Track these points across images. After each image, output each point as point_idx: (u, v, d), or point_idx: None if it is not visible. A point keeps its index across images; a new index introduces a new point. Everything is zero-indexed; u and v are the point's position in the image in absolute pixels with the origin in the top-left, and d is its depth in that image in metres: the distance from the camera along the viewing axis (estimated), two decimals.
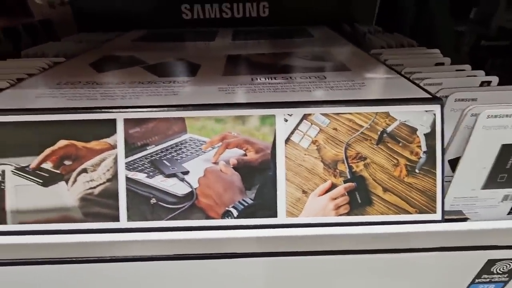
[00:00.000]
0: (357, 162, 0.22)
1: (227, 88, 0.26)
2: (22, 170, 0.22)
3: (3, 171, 0.23)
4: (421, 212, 0.22)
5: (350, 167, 0.22)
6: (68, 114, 0.22)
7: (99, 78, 0.30)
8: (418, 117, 0.22)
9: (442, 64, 0.31)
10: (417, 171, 0.22)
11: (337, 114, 0.22)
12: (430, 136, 0.22)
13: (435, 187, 0.22)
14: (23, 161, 0.22)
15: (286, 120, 0.22)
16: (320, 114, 0.22)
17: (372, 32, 0.49)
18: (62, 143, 0.22)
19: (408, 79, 0.26)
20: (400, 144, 0.22)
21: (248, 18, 0.57)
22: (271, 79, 0.28)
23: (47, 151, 0.22)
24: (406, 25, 0.57)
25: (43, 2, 0.67)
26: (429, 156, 0.22)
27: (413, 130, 0.22)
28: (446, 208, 0.23)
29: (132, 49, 0.42)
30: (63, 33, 0.59)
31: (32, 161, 0.22)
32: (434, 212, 0.22)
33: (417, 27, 0.57)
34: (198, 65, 0.34)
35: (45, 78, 0.30)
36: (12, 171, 0.22)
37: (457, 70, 0.28)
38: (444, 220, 0.22)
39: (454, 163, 0.23)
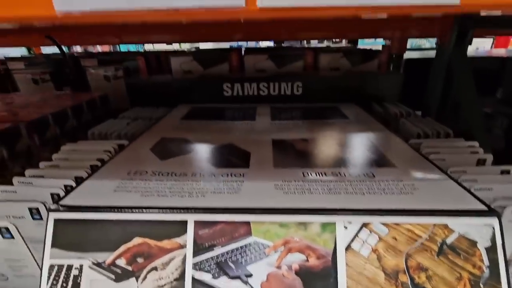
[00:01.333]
0: (419, 273, 0.23)
1: (282, 185, 0.28)
2: (98, 265, 0.24)
3: (81, 266, 0.24)
4: None
5: (412, 279, 0.22)
6: (144, 214, 0.25)
7: (164, 167, 0.33)
8: (477, 229, 0.23)
9: (484, 161, 0.33)
10: (481, 286, 0.22)
11: (396, 223, 0.23)
12: (491, 250, 0.22)
13: None
14: (100, 257, 0.24)
15: (346, 228, 0.24)
16: (379, 223, 0.23)
17: (404, 114, 0.51)
18: (137, 240, 0.24)
19: (458, 182, 0.28)
20: (462, 257, 0.23)
21: (283, 95, 0.63)
22: (322, 175, 0.30)
23: (123, 247, 0.24)
24: (432, 104, 0.60)
25: (100, 77, 0.77)
26: (493, 271, 0.22)
27: (473, 243, 0.23)
28: None
29: (183, 130, 0.47)
30: (117, 105, 0.66)
31: (108, 257, 0.24)
32: None
33: (444, 106, 0.60)
34: (248, 153, 0.37)
35: (116, 167, 0.33)
36: (90, 266, 0.24)
37: (502, 172, 0.29)
38: None
39: None
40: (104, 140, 0.44)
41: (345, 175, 0.30)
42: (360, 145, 0.39)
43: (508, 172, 0.30)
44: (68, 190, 0.29)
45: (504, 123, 0.50)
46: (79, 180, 0.30)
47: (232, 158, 0.36)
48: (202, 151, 0.38)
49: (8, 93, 0.73)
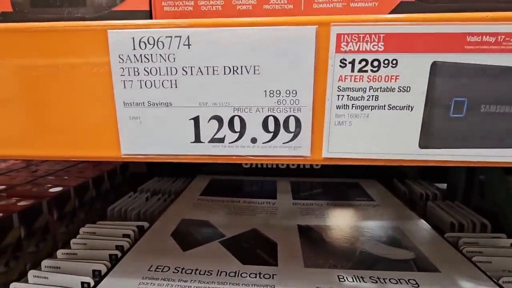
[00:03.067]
0: None
1: None
2: None
3: None
4: None
5: None
6: None
7: (187, 261, 0.31)
8: None
9: None
10: None
11: None
12: None
13: None
14: None
15: None
16: None
17: (430, 196, 0.50)
18: None
19: None
20: None
21: (302, 169, 0.62)
22: (360, 280, 0.28)
23: None
24: (457, 181, 0.59)
25: None
26: None
27: None
28: None
29: (203, 209, 0.46)
30: (135, 170, 0.66)
31: None
32: None
33: (470, 183, 0.58)
34: (274, 244, 0.35)
35: (136, 259, 0.31)
36: None
37: None
38: None
39: None
40: (123, 220, 0.43)
41: (385, 282, 0.28)
42: (394, 239, 0.37)
43: None
44: None
45: None
46: (97, 277, 0.28)
47: (258, 251, 0.34)
48: (226, 239, 0.37)
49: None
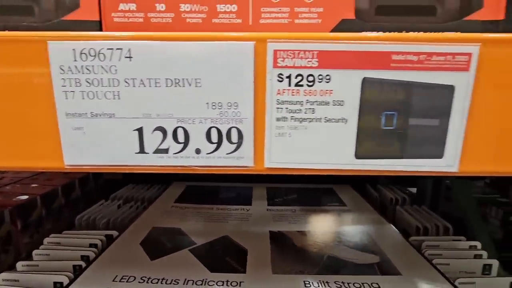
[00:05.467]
0: None
1: None
2: None
3: None
4: None
5: None
6: None
7: (154, 270, 0.31)
8: None
9: (490, 267, 0.32)
10: None
11: None
12: None
13: None
14: None
15: None
16: None
17: (399, 200, 0.51)
18: None
19: None
20: None
21: (278, 175, 0.63)
22: (324, 285, 0.28)
23: None
24: (424, 186, 0.61)
25: None
26: None
27: None
28: None
29: (176, 217, 0.45)
30: (110, 176, 0.65)
31: None
32: None
33: (438, 188, 0.61)
34: (245, 251, 0.35)
35: (101, 270, 0.31)
36: None
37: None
38: None
39: None
40: (91, 229, 0.42)
41: (349, 286, 0.28)
42: (361, 243, 0.37)
43: None
44: None
45: (500, 213, 0.51)
46: None
47: (227, 259, 0.34)
48: (196, 247, 0.36)
49: None
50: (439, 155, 0.14)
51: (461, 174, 0.15)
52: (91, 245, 0.36)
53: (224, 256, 0.34)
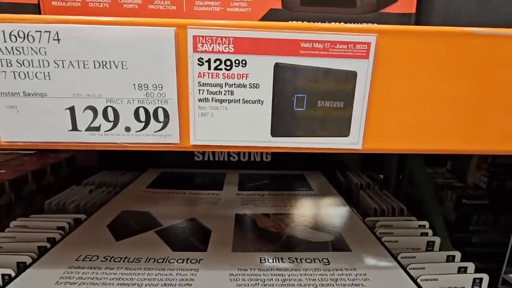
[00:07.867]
0: None
1: (237, 276, 0.28)
2: None
3: None
4: None
5: None
6: None
7: (117, 250, 0.32)
8: None
9: (433, 243, 0.34)
10: None
11: None
12: None
13: None
14: None
15: None
16: None
17: (364, 186, 0.54)
18: None
19: (407, 271, 0.29)
20: None
21: (252, 162, 0.65)
22: (279, 261, 0.30)
23: None
24: (390, 172, 0.64)
25: None
26: None
27: None
28: None
29: (147, 201, 0.46)
30: (85, 163, 0.65)
31: None
32: None
33: (401, 173, 0.64)
34: (209, 231, 0.37)
35: (65, 250, 0.32)
36: None
37: (447, 260, 0.31)
38: None
39: None
40: (61, 213, 0.42)
41: (301, 261, 0.30)
42: (320, 224, 0.40)
43: (453, 258, 0.31)
44: (6, 281, 0.27)
45: (454, 196, 0.54)
46: (21, 268, 0.28)
47: (191, 239, 0.35)
48: (162, 228, 0.38)
49: None
50: (345, 134, 0.16)
51: (364, 151, 0.17)
52: (58, 228, 0.37)
53: (189, 236, 0.36)
